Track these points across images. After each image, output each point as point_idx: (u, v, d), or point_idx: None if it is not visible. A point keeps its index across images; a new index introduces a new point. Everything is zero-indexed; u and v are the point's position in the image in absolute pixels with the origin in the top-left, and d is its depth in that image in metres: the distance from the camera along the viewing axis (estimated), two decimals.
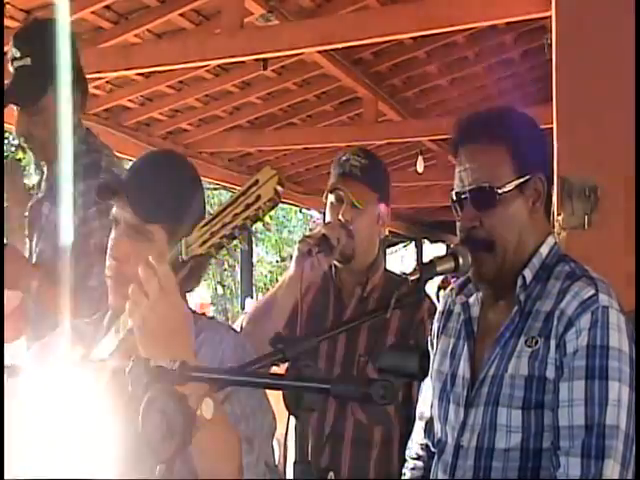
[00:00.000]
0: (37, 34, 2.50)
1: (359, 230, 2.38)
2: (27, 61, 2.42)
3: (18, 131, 2.49)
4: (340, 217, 2.37)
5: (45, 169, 2.57)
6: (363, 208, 2.38)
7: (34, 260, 2.52)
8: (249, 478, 1.47)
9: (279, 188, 1.30)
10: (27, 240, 2.61)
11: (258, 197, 1.31)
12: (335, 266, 2.47)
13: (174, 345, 1.43)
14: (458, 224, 1.78)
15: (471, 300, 1.83)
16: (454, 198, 1.77)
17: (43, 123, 2.45)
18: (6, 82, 2.48)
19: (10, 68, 2.48)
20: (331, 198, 2.43)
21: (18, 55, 2.43)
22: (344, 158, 2.44)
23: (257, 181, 1.31)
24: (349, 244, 2.37)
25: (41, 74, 2.41)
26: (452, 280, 1.98)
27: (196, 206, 1.69)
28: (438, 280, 7.68)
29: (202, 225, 1.37)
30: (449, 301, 1.92)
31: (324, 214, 2.49)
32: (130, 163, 1.89)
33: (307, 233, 2.42)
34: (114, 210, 1.68)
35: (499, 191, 1.70)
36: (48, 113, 2.44)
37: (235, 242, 1.39)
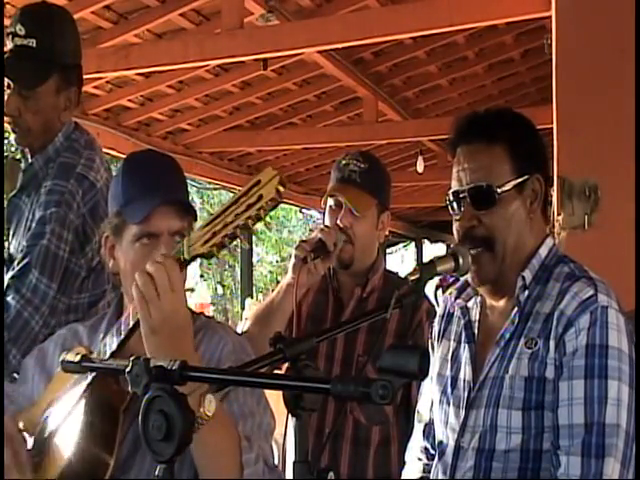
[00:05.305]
0: (46, 18, 2.34)
1: (358, 236, 2.37)
2: (32, 42, 2.27)
3: (8, 110, 2.30)
4: (339, 222, 2.36)
5: (27, 158, 2.41)
6: (362, 215, 2.36)
7: (11, 253, 2.35)
8: (248, 475, 1.48)
9: (281, 188, 1.31)
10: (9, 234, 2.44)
11: (260, 197, 1.31)
12: (334, 267, 2.46)
13: (180, 341, 1.43)
14: (455, 223, 1.78)
15: (470, 304, 1.83)
16: (451, 197, 1.77)
17: (35, 109, 2.31)
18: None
19: (8, 43, 2.31)
20: (330, 202, 2.42)
21: (22, 33, 2.27)
22: (344, 162, 2.41)
23: (259, 181, 1.32)
24: (348, 250, 2.36)
25: (44, 60, 2.28)
26: (450, 280, 1.97)
27: None
28: (436, 280, 7.67)
29: (204, 225, 1.38)
30: (449, 304, 1.92)
31: (324, 214, 2.48)
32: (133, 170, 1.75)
33: (304, 238, 2.41)
34: (152, 223, 1.60)
35: (498, 190, 1.70)
36: (43, 101, 2.31)
37: (236, 242, 1.39)
